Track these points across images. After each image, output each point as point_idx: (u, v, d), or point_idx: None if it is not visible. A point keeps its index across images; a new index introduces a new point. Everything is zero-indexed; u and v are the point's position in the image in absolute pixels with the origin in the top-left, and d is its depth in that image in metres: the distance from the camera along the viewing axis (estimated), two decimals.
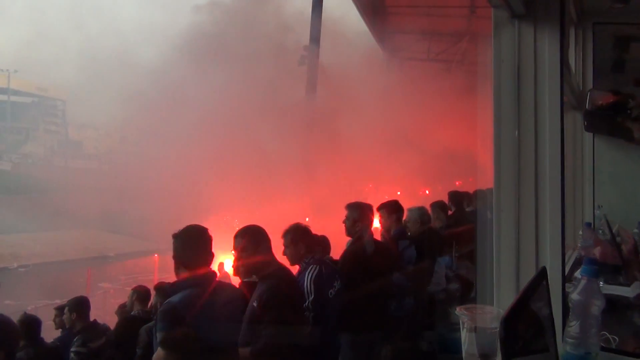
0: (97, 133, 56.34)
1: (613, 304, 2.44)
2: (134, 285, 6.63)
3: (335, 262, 4.68)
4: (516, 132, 2.04)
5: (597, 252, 3.63)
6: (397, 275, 4.86)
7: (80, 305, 5.76)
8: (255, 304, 3.33)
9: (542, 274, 1.55)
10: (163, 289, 5.82)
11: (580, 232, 3.84)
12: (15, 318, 5.42)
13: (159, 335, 2.94)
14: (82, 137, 59.75)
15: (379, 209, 5.44)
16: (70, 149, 54.21)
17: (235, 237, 3.51)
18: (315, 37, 17.25)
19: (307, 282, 3.99)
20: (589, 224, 3.97)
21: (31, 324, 5.19)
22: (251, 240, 3.47)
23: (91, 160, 53.28)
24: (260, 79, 19.20)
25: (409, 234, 5.56)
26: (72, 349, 5.40)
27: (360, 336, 4.39)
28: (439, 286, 4.86)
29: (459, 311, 2.01)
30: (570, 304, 1.78)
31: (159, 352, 2.74)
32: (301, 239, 4.15)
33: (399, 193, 15.97)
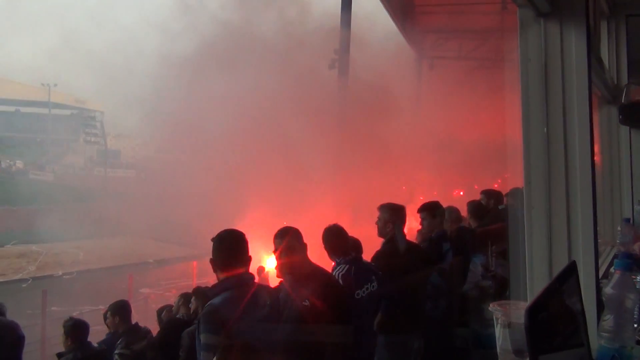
0: (134, 142, 57.63)
1: None
2: (174, 291, 6.79)
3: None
4: (545, 129, 2.05)
5: (637, 247, 3.57)
6: (434, 276, 4.86)
7: (122, 308, 5.95)
8: (307, 303, 3.37)
9: (571, 268, 1.57)
10: (202, 293, 5.96)
11: (619, 228, 3.78)
12: (60, 323, 5.65)
13: (202, 338, 3.02)
14: (119, 146, 61.23)
15: (420, 210, 5.41)
16: (109, 159, 55.56)
17: (275, 238, 3.59)
18: (345, 39, 17.27)
19: None
20: (627, 220, 3.88)
21: (79, 327, 5.37)
22: (288, 240, 3.55)
23: (129, 169, 54.56)
24: (291, 80, 19.33)
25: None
26: (115, 351, 5.57)
27: (394, 337, 4.40)
28: (473, 284, 4.84)
29: (493, 307, 2.03)
30: (604, 298, 1.78)
31: None
32: (336, 239, 4.21)
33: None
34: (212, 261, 3.28)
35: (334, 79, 17.38)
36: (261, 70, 20.32)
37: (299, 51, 20.47)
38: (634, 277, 2.01)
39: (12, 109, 63.87)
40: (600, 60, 3.50)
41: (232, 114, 20.12)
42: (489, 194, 6.78)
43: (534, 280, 2.05)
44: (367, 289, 4.14)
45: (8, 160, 55.28)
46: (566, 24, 2.01)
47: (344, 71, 16.93)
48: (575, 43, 1.99)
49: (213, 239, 3.30)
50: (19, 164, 55.21)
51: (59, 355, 5.28)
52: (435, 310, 4.83)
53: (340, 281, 4.00)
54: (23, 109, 64.81)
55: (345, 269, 4.09)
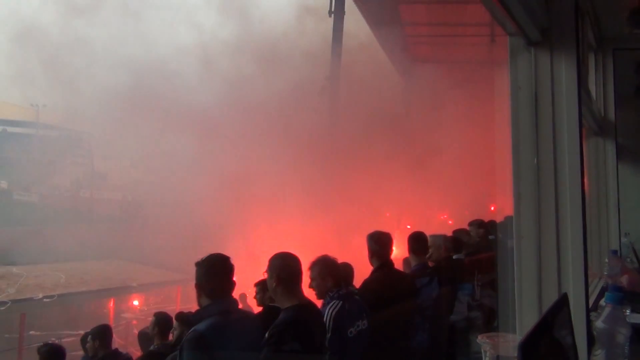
0: (121, 164, 57.19)
1: None
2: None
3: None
4: (535, 159, 2.03)
5: (624, 280, 3.55)
6: (417, 309, 4.76)
7: (103, 333, 5.84)
8: (266, 335, 3.29)
9: (563, 301, 1.53)
10: (185, 318, 5.82)
11: (606, 260, 3.77)
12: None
13: None
14: (107, 168, 60.69)
15: (408, 239, 5.29)
16: (95, 181, 55.04)
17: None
18: (336, 66, 17.46)
19: (327, 318, 3.82)
20: (615, 252, 3.89)
21: (55, 353, 5.25)
22: (271, 270, 3.46)
23: (115, 192, 54.03)
24: (281, 108, 19.43)
25: (430, 264, 5.39)
26: None
27: None
28: (461, 315, 4.76)
29: (481, 339, 1.99)
30: (595, 332, 1.75)
31: None
32: (329, 272, 4.05)
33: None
34: (197, 286, 3.19)
35: (324, 105, 17.56)
36: (253, 97, 20.46)
37: (288, 77, 20.65)
38: (624, 310, 1.98)
39: None
40: (588, 92, 3.52)
41: (220, 139, 20.15)
42: (478, 224, 6.72)
43: (523, 311, 2.00)
44: (358, 326, 3.99)
45: None
46: (556, 53, 2.01)
47: (334, 97, 17.09)
48: (566, 73, 1.99)
49: (198, 263, 3.22)
50: (3, 184, 54.52)
51: None
52: (420, 343, 4.72)
53: (332, 322, 3.80)
54: (10, 129, 64.34)
55: (337, 306, 3.91)
